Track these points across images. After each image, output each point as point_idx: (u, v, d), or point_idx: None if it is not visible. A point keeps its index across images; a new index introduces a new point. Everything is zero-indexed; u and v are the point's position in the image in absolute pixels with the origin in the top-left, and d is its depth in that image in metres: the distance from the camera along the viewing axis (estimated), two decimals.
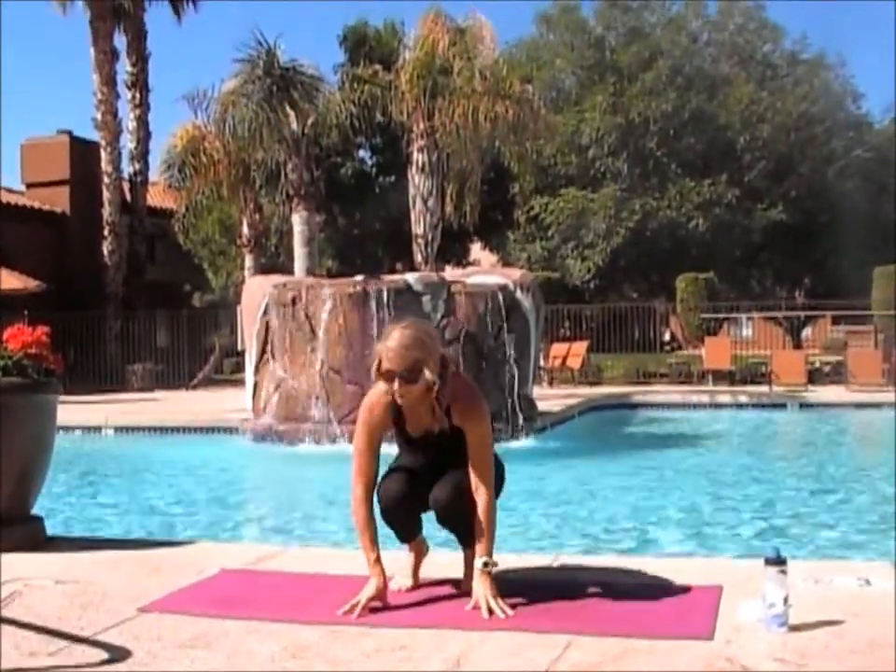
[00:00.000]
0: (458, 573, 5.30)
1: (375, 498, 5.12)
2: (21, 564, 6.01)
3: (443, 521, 5.10)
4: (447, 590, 5.26)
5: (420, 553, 5.39)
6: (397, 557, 5.35)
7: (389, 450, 5.30)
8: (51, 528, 7.02)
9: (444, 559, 5.58)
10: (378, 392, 5.10)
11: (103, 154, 34.18)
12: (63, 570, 5.89)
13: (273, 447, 15.04)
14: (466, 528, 5.14)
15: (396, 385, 4.90)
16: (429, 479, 5.08)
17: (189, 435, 17.71)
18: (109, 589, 5.46)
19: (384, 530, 5.15)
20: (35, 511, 6.89)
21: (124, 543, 7.19)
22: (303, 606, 5.06)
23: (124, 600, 5.21)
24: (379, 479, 5.15)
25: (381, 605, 4.96)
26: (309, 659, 4.25)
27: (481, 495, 4.98)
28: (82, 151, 34.90)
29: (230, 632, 4.66)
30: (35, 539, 6.62)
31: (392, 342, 4.92)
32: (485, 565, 4.92)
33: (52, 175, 34.66)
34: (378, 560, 5.00)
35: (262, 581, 5.69)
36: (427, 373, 4.90)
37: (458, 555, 5.31)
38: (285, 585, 5.57)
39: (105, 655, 4.33)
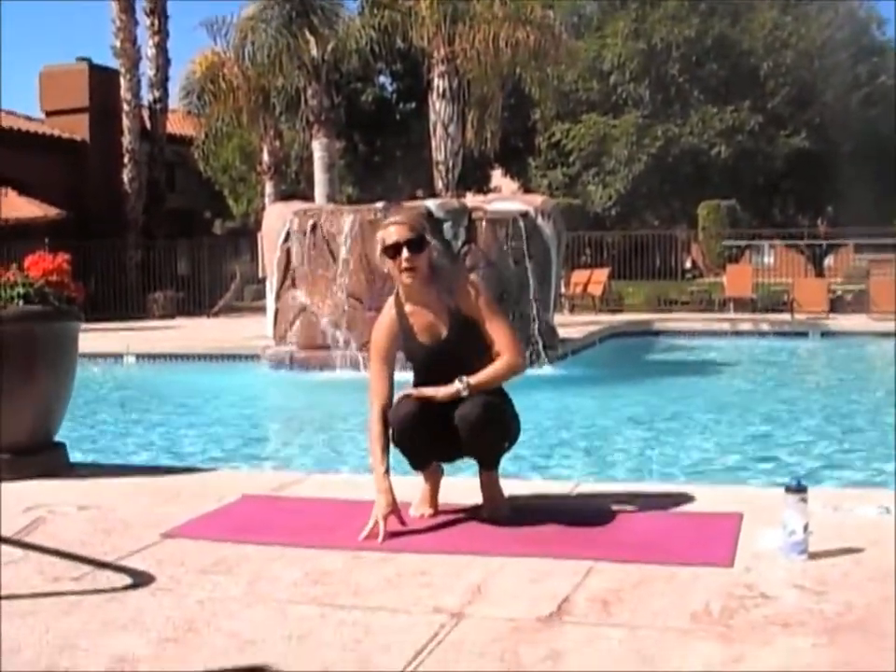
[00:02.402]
0: (478, 499, 5.33)
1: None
2: (44, 490, 6.06)
3: (468, 439, 5.02)
4: (467, 516, 5.28)
5: (436, 480, 5.39)
6: (417, 483, 5.37)
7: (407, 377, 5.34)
8: (73, 456, 7.07)
9: (463, 485, 5.60)
10: (384, 311, 5.30)
11: (122, 82, 34.03)
12: (86, 497, 5.93)
13: (293, 374, 15.07)
14: (490, 451, 5.17)
15: (404, 254, 5.04)
16: (441, 411, 5.03)
17: (209, 362, 17.75)
18: (132, 515, 5.50)
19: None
20: (58, 438, 6.93)
21: (146, 470, 7.24)
22: (325, 532, 5.09)
23: (146, 526, 5.24)
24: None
25: (400, 524, 5.01)
26: (331, 584, 4.28)
27: (503, 356, 5.14)
28: (101, 79, 34.68)
29: (251, 557, 4.69)
30: (57, 466, 6.67)
31: (393, 219, 5.17)
32: (461, 381, 4.99)
33: (71, 103, 34.44)
34: (387, 473, 5.04)
35: (284, 507, 5.72)
36: (431, 240, 5.07)
37: (477, 482, 5.34)
38: (307, 511, 5.60)
39: (128, 580, 4.37)
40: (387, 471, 5.05)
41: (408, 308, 5.21)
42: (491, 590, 4.16)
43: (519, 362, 5.17)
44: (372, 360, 5.29)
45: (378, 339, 5.27)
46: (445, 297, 5.14)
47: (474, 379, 5.00)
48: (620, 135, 38.29)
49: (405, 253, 5.04)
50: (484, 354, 5.16)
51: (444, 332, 5.16)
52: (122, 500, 5.86)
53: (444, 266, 5.55)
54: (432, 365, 5.15)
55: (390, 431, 5.09)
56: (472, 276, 5.52)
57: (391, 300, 5.32)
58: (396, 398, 5.15)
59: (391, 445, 5.12)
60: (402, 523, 5.02)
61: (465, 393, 4.97)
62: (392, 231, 5.10)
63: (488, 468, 5.26)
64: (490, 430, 5.02)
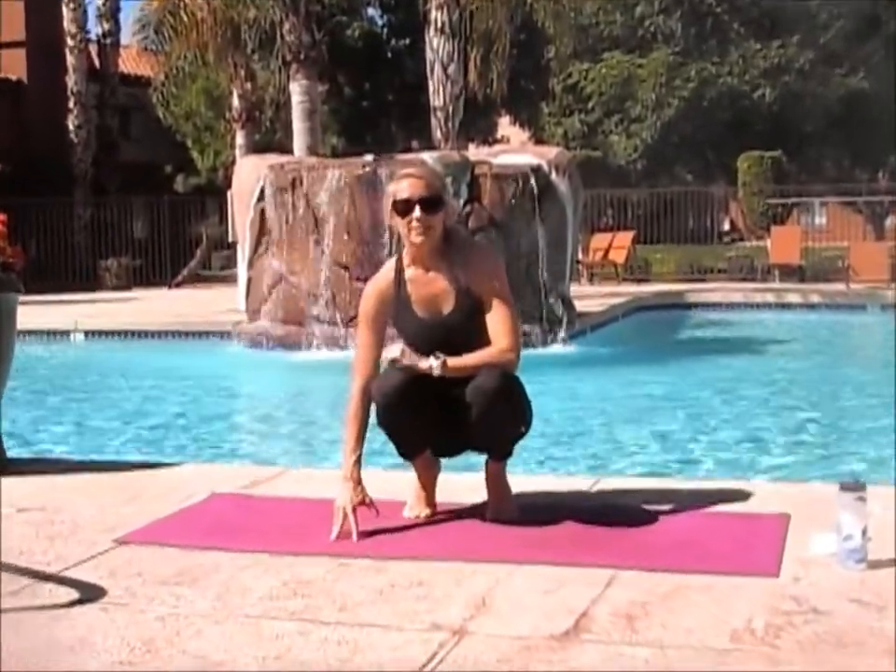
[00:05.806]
0: (480, 496, 5.33)
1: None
2: None
3: (482, 414, 4.93)
4: (468, 517, 5.28)
5: (431, 475, 5.35)
6: (414, 479, 5.36)
7: None
8: (12, 450, 7.06)
9: (463, 482, 5.60)
10: (381, 272, 5.33)
11: (65, 11, 33.86)
12: (27, 497, 5.92)
13: (269, 354, 15.08)
14: (505, 431, 5.12)
15: (416, 213, 5.04)
16: (439, 386, 4.99)
17: (172, 340, 17.78)
18: (80, 518, 5.49)
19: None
20: None
21: (98, 466, 7.22)
22: (306, 535, 5.08)
23: (98, 530, 5.24)
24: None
25: (376, 514, 5.01)
26: (313, 596, 4.27)
27: (498, 344, 5.06)
28: (40, 8, 34.55)
29: (221, 566, 4.68)
30: None
31: (408, 171, 5.23)
32: (436, 357, 4.94)
33: (4, 37, 34.25)
34: (358, 462, 5.07)
35: (259, 507, 5.71)
36: (449, 201, 5.20)
37: (481, 478, 5.34)
38: (285, 512, 5.60)
39: (75, 594, 4.35)
40: (359, 460, 5.07)
41: (410, 273, 5.19)
42: (497, 602, 4.16)
43: (512, 358, 5.05)
44: (360, 327, 5.30)
45: (368, 303, 5.26)
46: (458, 272, 5.11)
47: (452, 360, 4.94)
48: (647, 76, 38.29)
49: (417, 212, 5.03)
50: (483, 341, 5.09)
51: (447, 309, 5.13)
52: (70, 501, 5.85)
53: (462, 236, 5.56)
54: (424, 342, 5.13)
55: (374, 408, 5.08)
56: (497, 259, 5.47)
57: (391, 261, 5.31)
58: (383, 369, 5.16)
59: (377, 428, 5.12)
60: (377, 513, 5.02)
61: (437, 372, 4.91)
62: (405, 186, 5.09)
63: (499, 456, 5.23)
64: (508, 405, 4.97)
